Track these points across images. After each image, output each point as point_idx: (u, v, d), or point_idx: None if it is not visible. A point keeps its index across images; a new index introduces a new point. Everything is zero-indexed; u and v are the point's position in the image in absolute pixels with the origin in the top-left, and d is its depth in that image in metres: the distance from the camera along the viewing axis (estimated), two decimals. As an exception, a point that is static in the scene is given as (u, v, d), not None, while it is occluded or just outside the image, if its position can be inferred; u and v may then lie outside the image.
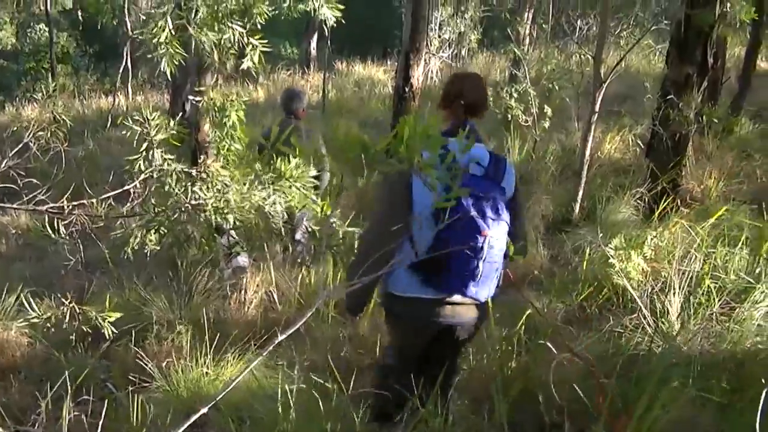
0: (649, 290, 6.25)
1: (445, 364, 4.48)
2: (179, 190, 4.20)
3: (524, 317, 5.39)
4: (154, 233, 4.24)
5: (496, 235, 3.90)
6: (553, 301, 6.50)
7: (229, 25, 4.12)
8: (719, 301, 6.02)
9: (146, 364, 5.71)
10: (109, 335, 3.80)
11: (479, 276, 3.95)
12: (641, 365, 4.84)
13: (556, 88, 12.55)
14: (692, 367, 4.81)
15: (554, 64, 14.07)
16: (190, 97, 7.08)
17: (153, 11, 4.02)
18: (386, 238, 3.68)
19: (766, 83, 17.10)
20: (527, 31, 17.96)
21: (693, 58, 8.80)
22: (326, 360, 5.46)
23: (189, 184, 4.23)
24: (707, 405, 4.43)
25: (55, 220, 4.66)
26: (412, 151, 2.10)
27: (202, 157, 6.02)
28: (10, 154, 5.80)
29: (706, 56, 8.79)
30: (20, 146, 6.12)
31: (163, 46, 3.99)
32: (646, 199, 8.95)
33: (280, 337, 2.31)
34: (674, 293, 5.97)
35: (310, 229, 4.41)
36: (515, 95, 12.38)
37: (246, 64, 4.25)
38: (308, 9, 4.17)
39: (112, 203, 6.02)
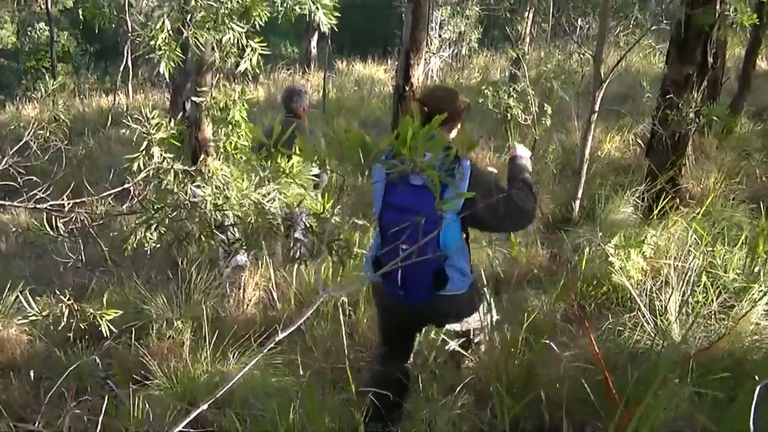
0: (649, 289, 6.27)
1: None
2: (178, 187, 4.21)
3: (526, 316, 5.40)
4: (154, 230, 4.25)
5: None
6: (553, 300, 6.51)
7: (229, 26, 4.13)
8: (718, 299, 6.04)
9: (146, 362, 5.72)
10: (107, 333, 3.81)
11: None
12: (641, 363, 4.86)
13: (556, 87, 12.56)
14: (691, 365, 4.82)
15: (554, 64, 14.09)
16: (192, 97, 7.09)
17: (152, 13, 4.04)
18: None
19: (766, 83, 17.10)
20: (527, 31, 17.95)
21: (693, 58, 8.80)
22: (326, 358, 5.47)
23: (188, 181, 4.25)
24: (705, 402, 4.44)
25: (55, 217, 4.67)
26: (414, 152, 2.10)
27: (202, 155, 6.02)
28: (11, 152, 5.82)
29: (706, 56, 8.79)
30: (20, 144, 6.14)
31: (161, 48, 4.01)
32: (646, 198, 8.95)
33: (281, 335, 2.32)
34: (673, 292, 5.99)
35: (308, 226, 4.42)
36: (514, 95, 12.38)
37: (243, 66, 4.27)
38: (305, 13, 4.18)
39: (112, 202, 6.03)
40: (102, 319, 3.82)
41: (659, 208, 8.19)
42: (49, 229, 4.56)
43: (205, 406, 2.12)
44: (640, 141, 12.26)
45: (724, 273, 6.59)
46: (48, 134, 6.58)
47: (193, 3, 3.99)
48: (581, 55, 14.01)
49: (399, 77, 12.51)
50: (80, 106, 22.40)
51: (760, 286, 6.05)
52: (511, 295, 6.88)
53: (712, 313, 5.91)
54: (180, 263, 7.43)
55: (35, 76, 28.90)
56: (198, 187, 4.16)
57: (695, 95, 8.81)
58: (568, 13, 21.08)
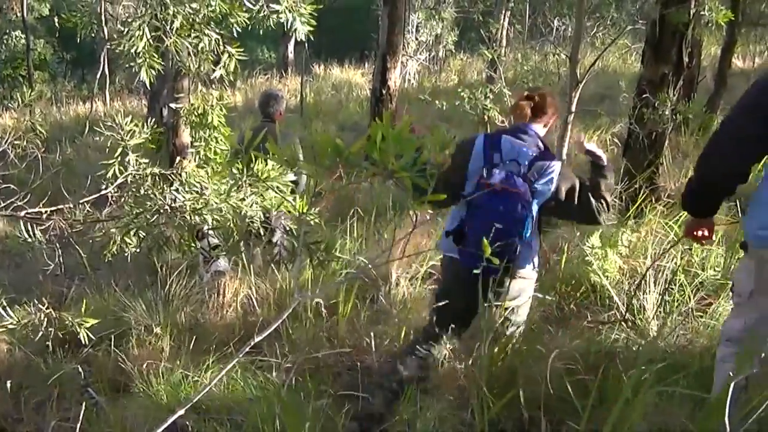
0: (627, 287, 6.30)
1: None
2: (156, 192, 4.22)
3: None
4: (133, 236, 4.26)
5: None
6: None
7: (206, 32, 4.13)
8: (695, 297, 6.08)
9: (126, 369, 5.72)
10: (86, 341, 3.81)
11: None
12: (619, 362, 4.88)
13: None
14: (668, 363, 4.84)
15: (530, 65, 14.14)
16: (170, 104, 7.10)
17: (130, 20, 4.04)
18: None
19: (741, 82, 17.15)
20: (503, 33, 18.00)
21: (668, 58, 8.84)
22: (306, 362, 5.48)
23: (166, 186, 4.25)
24: (682, 399, 4.46)
25: (33, 225, 4.66)
26: (385, 154, 2.12)
27: (178, 159, 6.04)
28: (-13, 162, 5.81)
29: (681, 55, 8.84)
30: (-3, 153, 6.12)
31: (141, 56, 4.01)
32: (624, 198, 8.99)
33: (257, 339, 2.33)
34: (650, 290, 6.02)
35: (287, 229, 4.45)
36: (491, 96, 12.42)
37: (219, 72, 4.27)
38: (282, 22, 4.18)
39: (90, 209, 6.03)
40: (81, 327, 3.82)
41: (636, 206, 8.23)
42: (27, 237, 4.55)
43: (182, 411, 2.13)
44: (617, 141, 12.31)
45: (702, 271, 6.63)
46: (25, 143, 6.56)
47: (171, 10, 3.99)
48: (557, 56, 14.08)
49: (376, 81, 12.56)
50: (57, 114, 22.35)
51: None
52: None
53: (690, 310, 5.95)
54: (159, 270, 7.42)
55: (12, 84, 28.82)
56: (177, 191, 4.17)
57: (671, 94, 8.85)
58: (544, 14, 21.15)
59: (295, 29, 4.10)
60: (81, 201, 4.80)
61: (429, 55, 24.95)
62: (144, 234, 4.29)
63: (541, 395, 4.16)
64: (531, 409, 4.38)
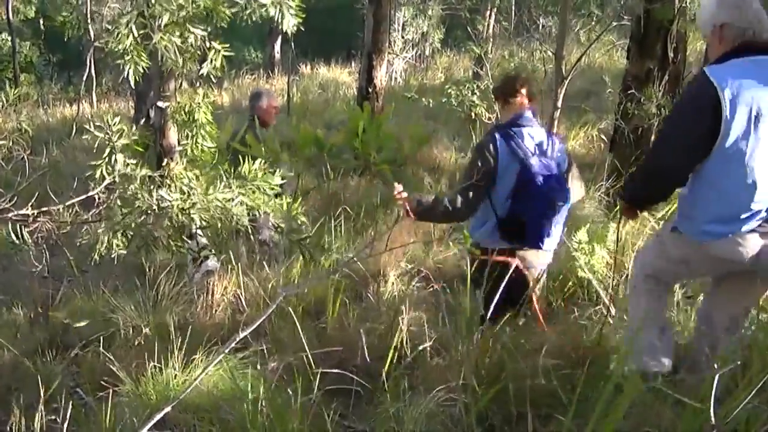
0: (614, 283, 6.32)
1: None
2: (144, 192, 4.22)
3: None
4: (121, 236, 4.26)
5: None
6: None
7: (191, 30, 4.14)
8: (681, 290, 6.10)
9: (115, 370, 5.71)
10: (74, 342, 3.82)
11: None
12: (606, 357, 4.90)
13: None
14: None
15: (516, 62, 14.16)
16: (158, 103, 7.09)
17: (116, 19, 4.04)
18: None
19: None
20: (490, 30, 18.02)
21: (653, 53, 8.89)
22: (294, 361, 5.48)
23: (154, 187, 4.26)
24: (669, 395, 4.48)
25: (20, 227, 4.66)
26: (366, 146, 2.14)
27: (166, 160, 6.03)
28: (-27, 164, 5.80)
29: (666, 51, 8.87)
30: (-17, 156, 6.12)
31: (127, 54, 4.02)
32: (611, 194, 9.01)
33: (242, 335, 2.34)
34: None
35: (276, 227, 4.46)
36: (477, 92, 12.43)
37: (206, 68, 4.28)
38: (270, 15, 4.19)
39: (78, 210, 6.02)
40: (69, 328, 3.83)
41: (623, 201, 8.24)
42: (14, 239, 4.56)
43: (168, 408, 2.14)
44: (603, 137, 12.34)
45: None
46: (11, 144, 6.56)
47: (157, 7, 4.00)
48: (543, 53, 14.09)
49: (362, 79, 12.58)
50: (44, 117, 22.30)
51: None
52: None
53: (676, 303, 5.98)
54: (148, 270, 7.42)
55: (-2, 86, 28.76)
56: (164, 191, 4.17)
57: (657, 90, 8.88)
58: (530, 11, 21.17)
59: (282, 24, 4.12)
60: (68, 203, 4.81)
61: (415, 53, 24.97)
62: (131, 234, 4.30)
63: (528, 390, 4.18)
64: (519, 404, 4.40)
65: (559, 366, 4.68)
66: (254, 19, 4.28)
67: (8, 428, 5.08)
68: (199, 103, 4.71)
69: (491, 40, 18.79)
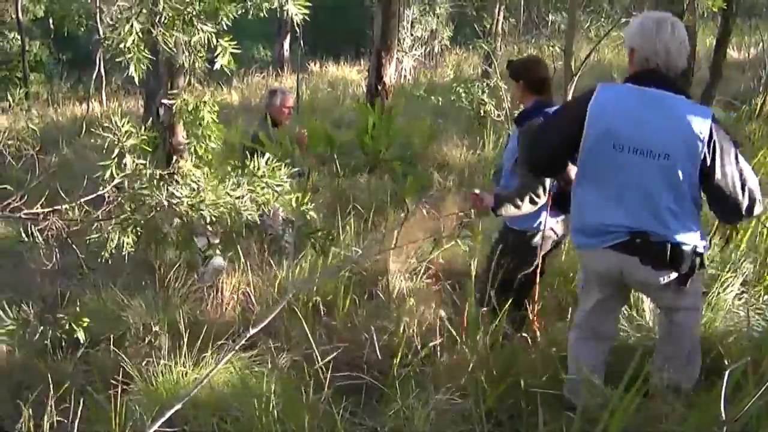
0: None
1: None
2: (153, 191, 4.23)
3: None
4: (131, 232, 4.27)
5: None
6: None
7: (198, 27, 4.14)
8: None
9: (126, 368, 5.72)
10: (83, 339, 3.83)
11: None
12: (615, 354, 4.90)
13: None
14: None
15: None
16: (164, 101, 7.10)
17: (120, 16, 4.04)
18: None
19: (736, 73, 17.22)
20: (498, 27, 18.02)
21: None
22: (304, 358, 5.49)
23: (163, 185, 4.26)
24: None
25: (31, 226, 4.67)
26: (376, 142, 2.14)
27: (175, 157, 6.04)
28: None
29: (675, 46, 8.85)
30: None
31: (130, 51, 4.02)
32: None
33: (252, 332, 2.34)
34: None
35: (285, 220, 4.48)
36: (486, 90, 12.43)
37: (219, 63, 4.28)
38: (274, 7, 4.20)
39: (88, 209, 6.04)
40: (78, 326, 3.83)
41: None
42: (24, 237, 4.57)
43: (178, 406, 2.14)
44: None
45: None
46: (20, 143, 6.58)
47: (162, 4, 4.00)
48: (552, 49, 14.07)
49: (371, 77, 12.58)
50: (54, 115, 22.31)
51: (730, 272, 6.12)
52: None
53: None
54: (157, 268, 7.43)
55: (7, 86, 28.76)
56: (174, 190, 4.18)
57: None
58: (538, 7, 21.17)
59: (290, 15, 4.12)
60: (78, 201, 4.81)
61: (424, 51, 24.97)
62: (141, 232, 4.31)
63: (540, 386, 4.19)
64: (529, 399, 4.40)
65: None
66: (257, 12, 4.29)
67: (19, 426, 5.09)
68: (205, 102, 4.71)
69: (500, 37, 18.76)
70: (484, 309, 5.26)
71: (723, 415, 3.25)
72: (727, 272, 6.10)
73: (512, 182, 5.48)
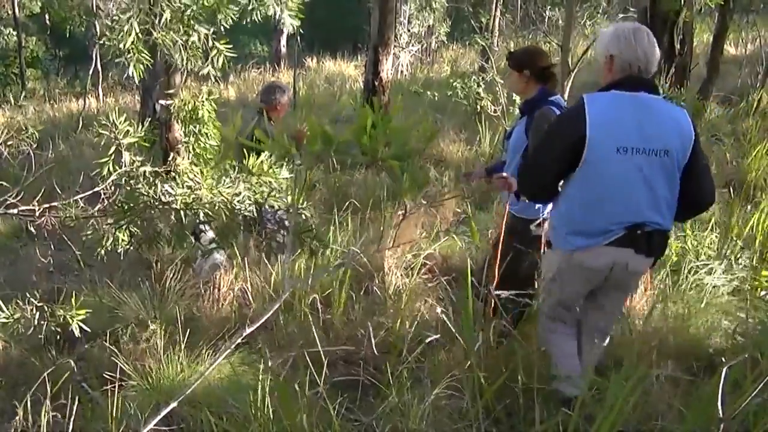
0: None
1: None
2: (149, 188, 4.22)
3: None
4: (126, 229, 4.27)
5: None
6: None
7: (195, 28, 4.14)
8: (691, 282, 6.11)
9: (121, 364, 5.71)
10: (79, 335, 3.82)
11: None
12: (611, 348, 4.91)
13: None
14: (661, 349, 4.87)
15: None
16: (161, 101, 7.09)
17: (119, 16, 4.03)
18: None
19: (733, 69, 17.20)
20: (495, 23, 18.02)
21: (660, 45, 8.82)
22: (300, 354, 5.49)
23: (159, 182, 4.26)
24: (676, 385, 4.48)
25: (27, 222, 4.67)
26: (375, 142, 2.12)
27: (172, 154, 6.03)
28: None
29: (673, 42, 8.88)
30: (-9, 151, 6.12)
31: (129, 51, 4.01)
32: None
33: (248, 330, 2.33)
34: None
35: (280, 220, 4.47)
36: (483, 85, 12.42)
37: (206, 69, 4.28)
38: (270, 15, 4.19)
39: (84, 205, 6.03)
40: (73, 321, 3.83)
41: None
42: (21, 233, 4.57)
43: (174, 404, 2.14)
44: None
45: (696, 258, 6.65)
46: (17, 140, 6.56)
47: (161, 5, 3.99)
48: (549, 45, 14.07)
49: (368, 73, 12.57)
50: (51, 111, 22.30)
51: (722, 263, 6.16)
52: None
53: (682, 292, 5.99)
54: (154, 265, 7.42)
55: (4, 82, 28.75)
56: (170, 186, 4.17)
57: (663, 81, 8.86)
58: (535, 3, 21.16)
59: (284, 22, 4.12)
60: (74, 198, 4.81)
61: (421, 47, 24.98)
62: (136, 229, 4.30)
63: (534, 382, 4.19)
64: (527, 395, 4.40)
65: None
66: (255, 18, 4.29)
67: (15, 423, 5.08)
68: (202, 101, 4.71)
69: (497, 32, 18.76)
70: (481, 303, 5.25)
71: (720, 412, 3.25)
72: (724, 268, 6.12)
73: None
